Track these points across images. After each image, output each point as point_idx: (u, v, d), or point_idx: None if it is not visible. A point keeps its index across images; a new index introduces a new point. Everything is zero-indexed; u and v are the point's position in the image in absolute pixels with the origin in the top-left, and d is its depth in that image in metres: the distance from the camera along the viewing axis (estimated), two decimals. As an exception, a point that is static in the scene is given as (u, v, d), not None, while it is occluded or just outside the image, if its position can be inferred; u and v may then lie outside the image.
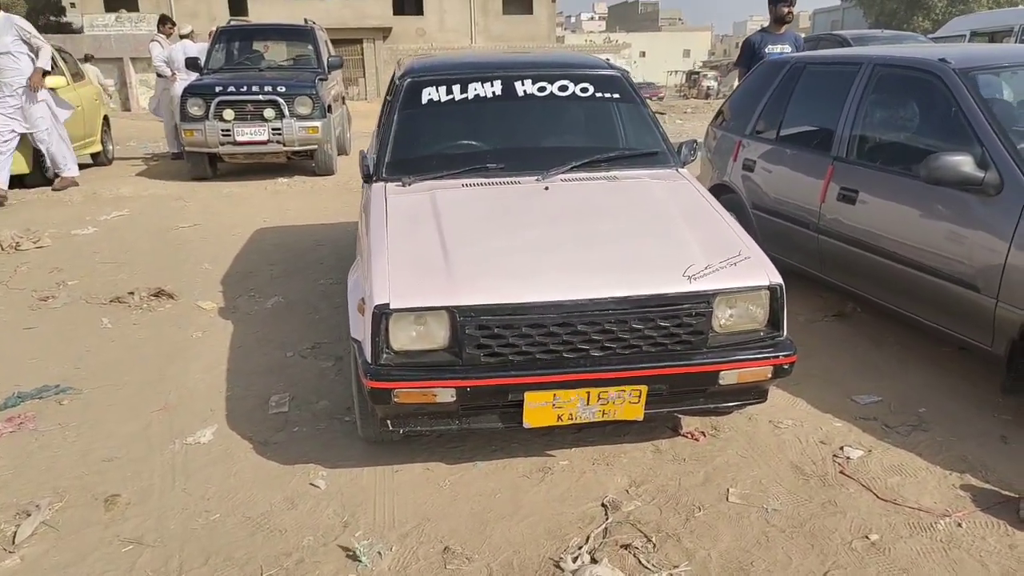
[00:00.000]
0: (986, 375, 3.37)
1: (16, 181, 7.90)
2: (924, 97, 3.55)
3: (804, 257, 4.15)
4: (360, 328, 2.61)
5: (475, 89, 3.53)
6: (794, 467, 2.79)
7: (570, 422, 2.57)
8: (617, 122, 3.68)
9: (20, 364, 3.85)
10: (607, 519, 2.50)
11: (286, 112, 8.02)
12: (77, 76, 9.64)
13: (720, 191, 4.99)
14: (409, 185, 3.22)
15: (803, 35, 7.91)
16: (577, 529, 2.46)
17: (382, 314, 2.43)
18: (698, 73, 49.57)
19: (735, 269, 2.62)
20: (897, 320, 3.72)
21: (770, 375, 2.61)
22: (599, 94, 3.59)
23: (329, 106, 8.55)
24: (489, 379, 2.46)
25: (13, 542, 2.43)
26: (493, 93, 3.52)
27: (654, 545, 2.36)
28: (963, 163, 3.03)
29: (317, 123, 8.14)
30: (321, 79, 8.64)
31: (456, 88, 3.54)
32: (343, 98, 10.53)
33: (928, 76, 3.47)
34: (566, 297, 2.47)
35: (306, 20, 9.67)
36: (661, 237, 2.80)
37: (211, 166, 8.50)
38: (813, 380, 3.48)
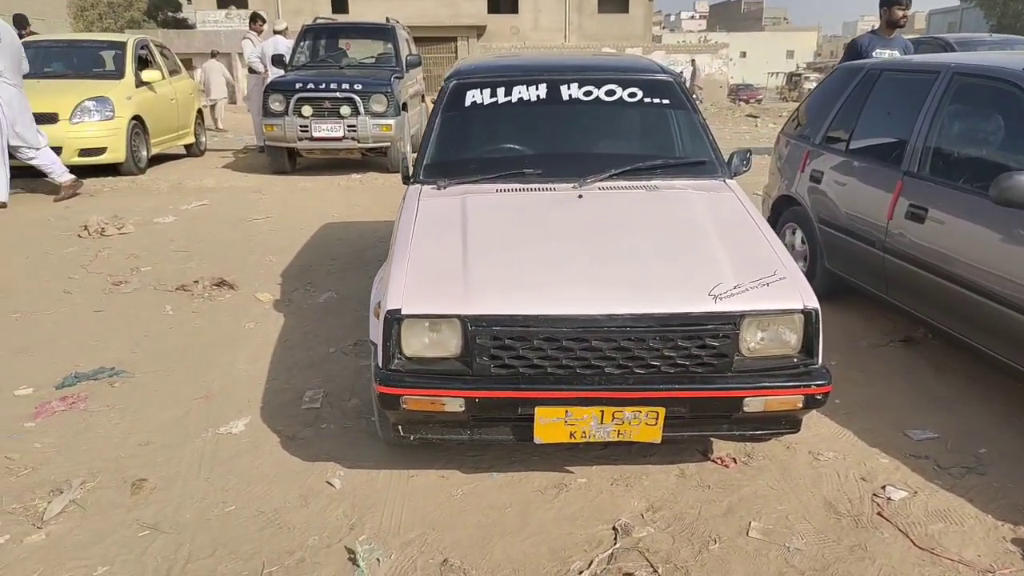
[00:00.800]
0: (1060, 417, 3.07)
1: (111, 169, 8.41)
2: (1004, 109, 3.25)
3: (869, 277, 3.90)
4: (375, 332, 2.61)
5: (519, 92, 3.48)
6: (827, 504, 2.61)
7: (583, 440, 2.49)
8: (665, 129, 3.55)
9: (83, 345, 4.06)
10: (615, 544, 2.40)
11: (361, 109, 8.19)
12: (174, 72, 10.15)
13: (786, 203, 4.77)
14: (444, 188, 3.20)
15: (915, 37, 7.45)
16: (582, 552, 2.38)
17: (394, 319, 2.42)
18: (799, 75, 47.81)
19: (767, 290, 2.47)
20: (967, 349, 3.44)
21: (801, 404, 2.45)
22: (648, 99, 3.48)
23: (404, 104, 8.68)
24: (499, 391, 2.40)
25: (42, 518, 2.56)
26: (538, 97, 3.46)
27: (658, 576, 2.25)
28: (1039, 183, 2.76)
29: (391, 121, 8.28)
30: (397, 77, 8.78)
31: (500, 91, 3.49)
32: (423, 96, 10.67)
33: (1008, 86, 3.18)
34: (581, 311, 2.38)
35: (387, 19, 9.85)
36: (691, 253, 2.67)
37: (290, 160, 8.78)
38: (866, 411, 3.26)
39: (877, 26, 5.90)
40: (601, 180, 3.15)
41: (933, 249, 3.37)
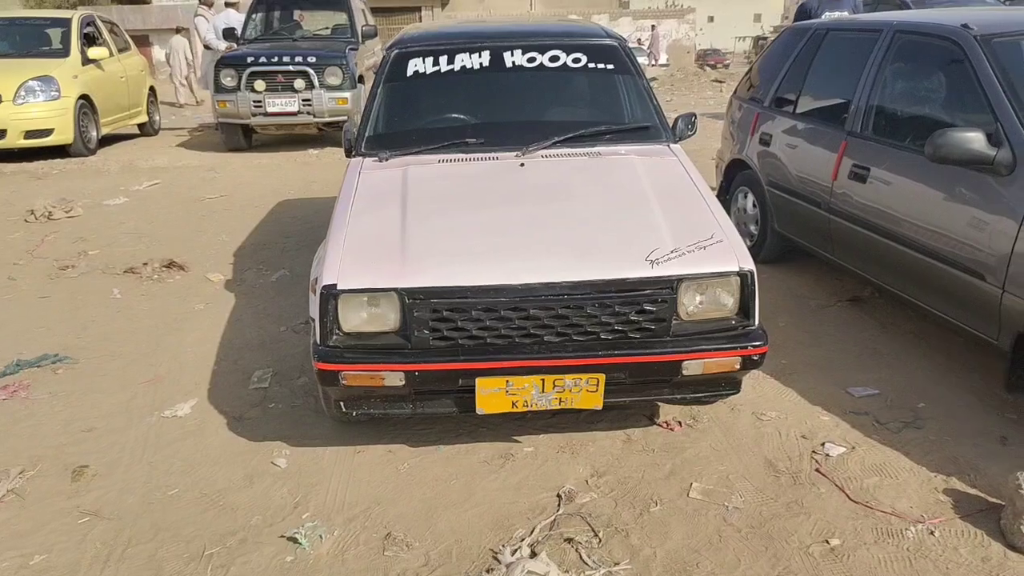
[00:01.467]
0: (995, 370, 3.13)
1: (59, 151, 8.18)
2: (942, 67, 3.27)
3: (816, 238, 3.93)
4: (313, 307, 2.58)
5: (462, 60, 3.42)
6: (767, 463, 2.66)
7: (526, 409, 2.49)
8: (610, 95, 3.51)
9: (28, 332, 3.97)
10: (558, 511, 2.42)
11: (316, 83, 8.03)
12: (123, 49, 9.85)
13: (738, 167, 4.78)
14: (386, 160, 3.15)
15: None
16: (525, 520, 2.39)
17: (330, 295, 2.39)
18: (766, 38, 47.73)
19: (703, 253, 2.47)
20: (912, 307, 3.50)
21: (738, 366, 2.47)
22: (592, 65, 3.44)
23: (361, 76, 8.52)
24: (438, 363, 2.39)
25: (-22, 509, 2.51)
26: (480, 64, 3.41)
27: (600, 540, 2.27)
28: (972, 140, 2.79)
29: (347, 94, 8.13)
30: (352, 49, 8.60)
31: (443, 59, 3.43)
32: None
33: (947, 43, 3.19)
34: (518, 280, 2.37)
35: (343, -12, 9.62)
36: (630, 218, 2.66)
37: (245, 137, 8.61)
38: (810, 369, 3.31)
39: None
40: (544, 148, 3.12)
41: (874, 208, 3.40)
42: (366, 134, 3.29)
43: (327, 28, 9.80)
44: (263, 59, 8.06)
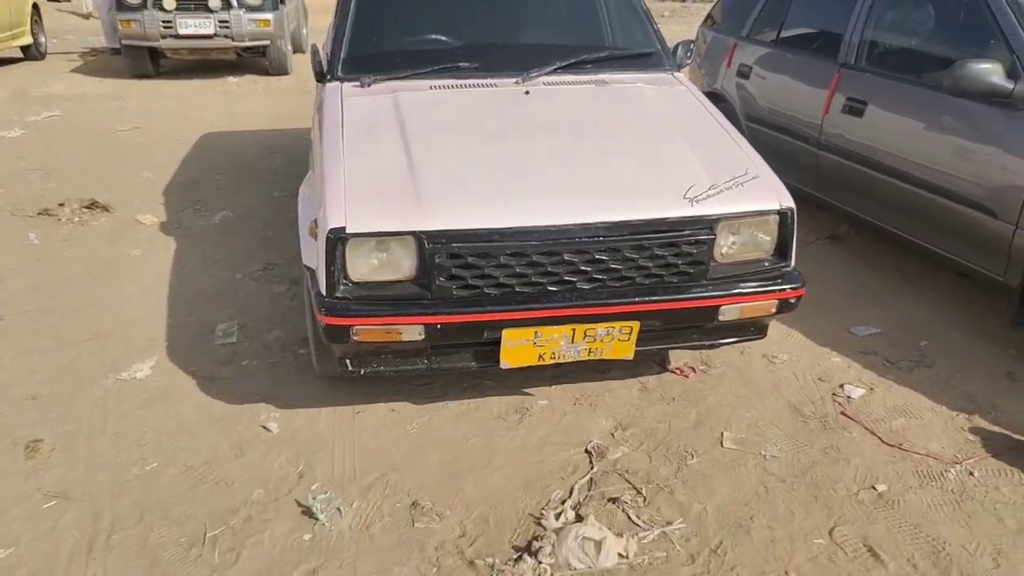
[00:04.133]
0: (990, 305, 3.17)
1: (-67, 75, 7.17)
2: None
3: (800, 174, 3.83)
4: (313, 254, 2.26)
5: (445, -26, 3.06)
6: (792, 408, 2.58)
7: (552, 362, 2.29)
8: (606, 17, 3.25)
9: (-69, 285, 3.43)
10: (592, 468, 2.26)
11: (234, 3, 7.28)
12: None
13: (710, 99, 4.61)
14: (368, 86, 2.80)
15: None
16: (559, 480, 2.22)
17: (337, 239, 2.08)
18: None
19: (742, 190, 2.30)
20: (894, 244, 3.49)
21: (774, 310, 2.34)
22: (586, -15, 3.15)
23: (282, -4, 7.81)
24: (462, 315, 2.15)
25: (-86, 498, 2.12)
26: (465, -21, 3.06)
27: (644, 499, 2.13)
28: (991, 72, 2.71)
29: (268, 15, 7.44)
30: (273, -34, 7.86)
31: (423, -28, 3.06)
32: (297, -11, 9.68)
33: (954, -28, 3.09)
34: (552, 222, 2.14)
35: None
36: (658, 153, 2.45)
37: (153, 63, 7.79)
38: (808, 309, 3.19)
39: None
40: (545, 74, 2.85)
41: (871, 144, 3.32)
42: (342, 55, 2.90)
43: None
44: (172, -27, 7.23)
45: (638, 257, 2.20)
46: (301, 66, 8.62)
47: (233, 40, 7.45)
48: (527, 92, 2.75)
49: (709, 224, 2.23)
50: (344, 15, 2.99)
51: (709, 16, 4.89)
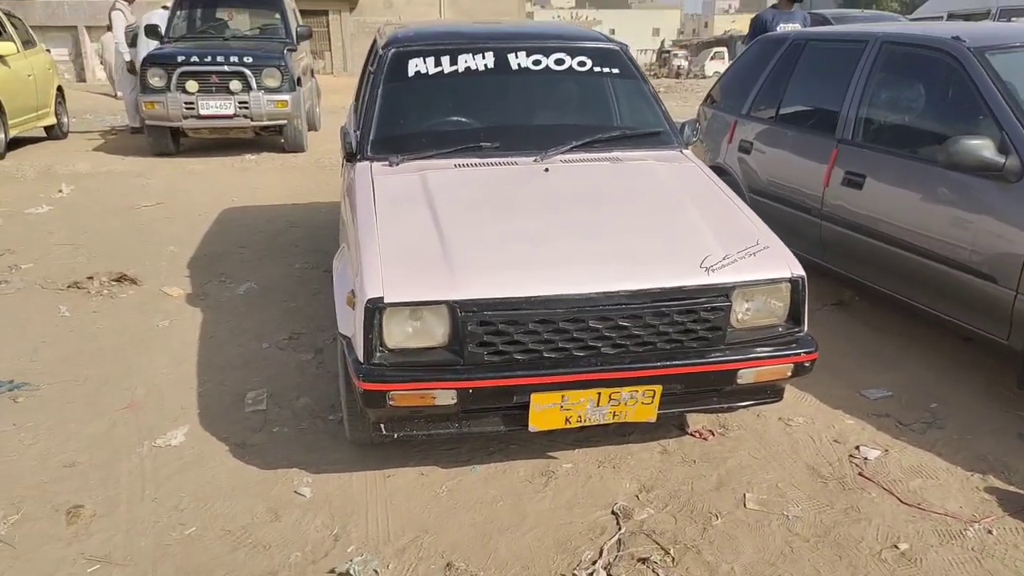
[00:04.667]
0: (996, 367, 3.27)
1: (-37, 155, 7.45)
2: (937, 77, 3.39)
3: (804, 243, 3.97)
4: (349, 323, 2.39)
5: (465, 61, 3.28)
6: (811, 469, 2.65)
7: (578, 425, 2.39)
8: (617, 99, 3.47)
9: (-31, 357, 3.54)
10: (620, 529, 2.32)
11: (253, 85, 7.63)
12: (28, 43, 9.10)
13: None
14: (397, 165, 2.98)
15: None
16: (588, 540, 2.29)
17: (375, 308, 2.20)
18: (668, 52, 49.38)
19: (755, 260, 2.44)
20: (898, 309, 3.60)
21: (790, 374, 2.45)
22: (597, 68, 3.37)
23: (299, 79, 8.18)
24: (493, 380, 2.25)
25: (-38, 564, 2.18)
26: (485, 66, 3.28)
27: (673, 559, 2.19)
28: (983, 147, 2.89)
29: (286, 96, 7.77)
30: (290, 50, 8.24)
31: (445, 60, 3.28)
32: (312, 71, 10.12)
33: (941, 55, 3.31)
34: (577, 291, 2.27)
35: (275, -13, 9.21)
36: (673, 225, 2.60)
37: (174, 141, 8.08)
38: (819, 373, 3.28)
39: (776, 2, 6.09)
40: (562, 152, 3.03)
41: (871, 215, 3.48)
42: (371, 137, 3.09)
43: (256, 29, 9.36)
44: (195, 58, 7.58)
45: (659, 323, 2.32)
46: (316, 144, 8.95)
47: (252, 120, 7.77)
48: (546, 169, 2.92)
49: (725, 292, 2.36)
50: (372, 100, 3.19)
51: (709, 96, 5.15)
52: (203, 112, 7.59)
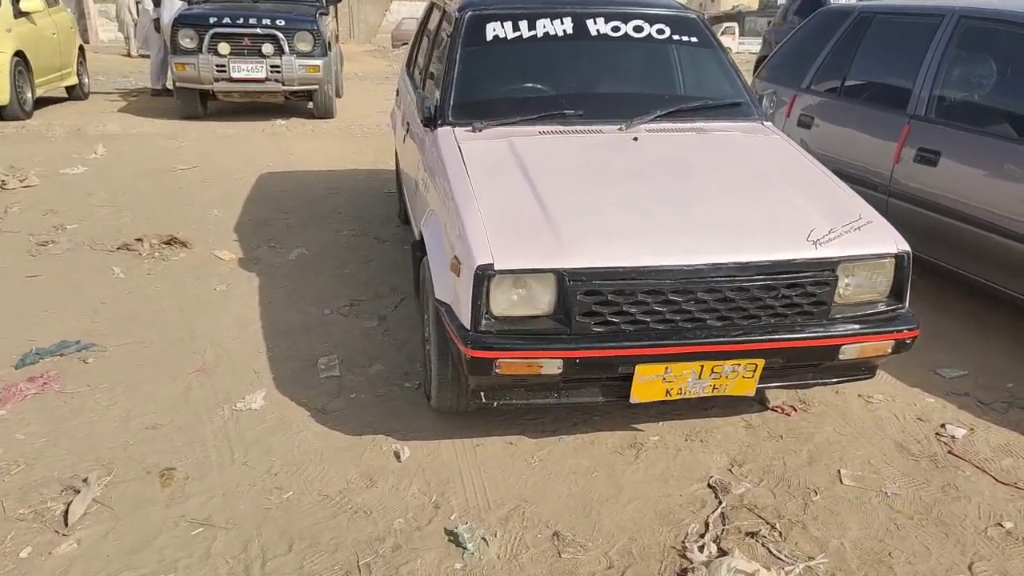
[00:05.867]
0: (1072, 349, 3.25)
1: (-9, 113, 7.35)
2: (1016, 53, 3.32)
3: (868, 220, 3.95)
4: (449, 289, 2.35)
5: (544, 26, 3.21)
6: (899, 446, 2.64)
7: (678, 397, 2.37)
8: (697, 68, 3.40)
9: (30, 315, 3.51)
10: (720, 503, 2.31)
11: (286, 48, 7.50)
12: (50, 2, 8.92)
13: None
14: (480, 131, 2.92)
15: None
16: (690, 513, 2.28)
17: (484, 275, 2.17)
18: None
19: (859, 234, 2.40)
20: (961, 287, 3.57)
21: (890, 351, 2.43)
22: (676, 36, 3.30)
23: (329, 43, 8.04)
24: (600, 351, 2.23)
25: (66, 523, 2.17)
26: (564, 31, 3.20)
27: (780, 533, 2.18)
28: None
29: (318, 61, 7.65)
30: (322, 13, 8.11)
31: (523, 24, 3.21)
32: (337, 37, 9.97)
33: (1020, 29, 3.24)
34: (687, 262, 2.23)
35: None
36: (773, 198, 2.56)
37: (202, 104, 7.96)
38: None
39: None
40: (647, 122, 2.98)
41: (945, 193, 3.44)
42: (451, 102, 3.03)
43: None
44: (227, 19, 7.45)
45: (765, 296, 2.29)
46: (344, 110, 8.85)
47: (283, 84, 7.65)
48: (635, 138, 2.87)
49: (832, 265, 2.32)
50: (451, 64, 3.12)
51: (762, 68, 5.06)
52: (235, 75, 7.47)
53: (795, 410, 2.85)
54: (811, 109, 4.37)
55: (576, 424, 2.73)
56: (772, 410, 2.85)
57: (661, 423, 2.74)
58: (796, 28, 5.03)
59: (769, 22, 15.43)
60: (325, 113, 8.16)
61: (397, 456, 2.52)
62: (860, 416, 2.83)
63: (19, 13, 7.57)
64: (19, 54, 7.34)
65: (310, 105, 8.37)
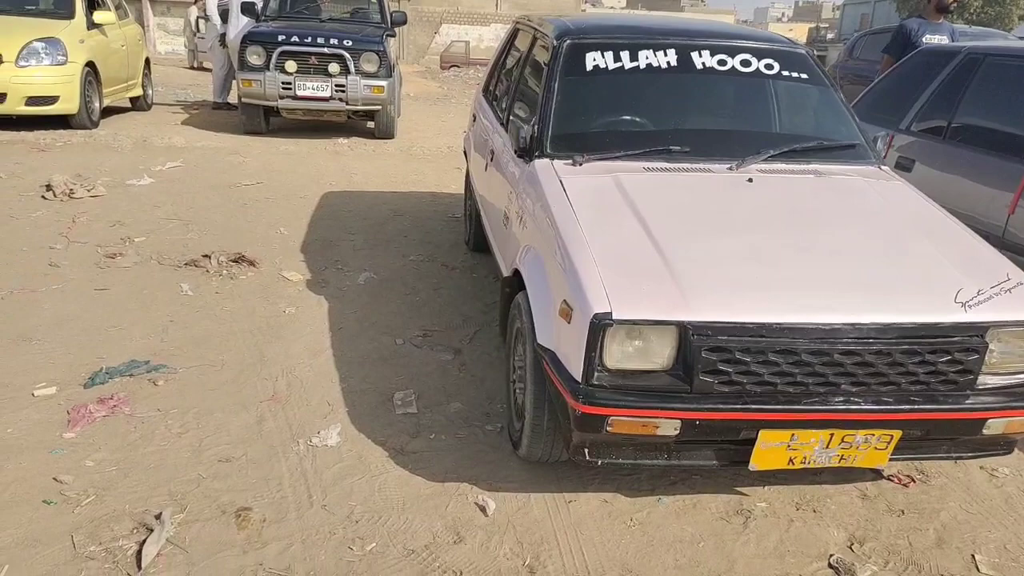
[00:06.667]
0: None
1: (61, 121, 7.41)
2: None
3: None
4: (555, 336, 2.18)
5: (647, 57, 3.05)
6: (1037, 530, 2.38)
7: (801, 466, 2.16)
8: (807, 106, 3.22)
9: (99, 331, 3.42)
10: (846, 587, 2.09)
11: (351, 68, 7.48)
12: (121, 12, 9.08)
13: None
14: (580, 164, 2.76)
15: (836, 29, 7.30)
16: (813, 597, 2.06)
17: (601, 324, 1.99)
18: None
19: (1011, 297, 2.18)
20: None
21: (1039, 426, 2.18)
22: (785, 72, 3.12)
23: (393, 65, 8.02)
24: (724, 412, 2.03)
25: (139, 566, 2.02)
26: (668, 64, 3.05)
27: (919, 628, 1.95)
28: None
29: (383, 82, 7.61)
30: (389, 35, 8.10)
31: (625, 55, 3.06)
32: (397, 59, 9.97)
33: None
34: (824, 320, 2.03)
35: (371, -29, 9.07)
36: (909, 252, 2.35)
37: (265, 120, 7.98)
38: None
39: (924, 10, 5.75)
40: (759, 162, 2.79)
41: (1069, 248, 3.19)
42: (550, 133, 2.88)
43: (347, 12, 9.22)
44: (295, 38, 7.46)
45: (907, 362, 2.07)
46: (403, 131, 8.80)
47: (347, 104, 7.62)
48: (750, 180, 2.68)
49: (982, 331, 2.10)
50: (549, 93, 2.97)
51: (857, 104, 4.85)
52: (300, 93, 7.47)
53: (913, 481, 2.61)
54: (911, 151, 4.14)
55: (674, 483, 2.52)
56: (887, 479, 2.61)
57: (767, 488, 2.52)
58: (892, 67, 4.81)
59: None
60: (386, 133, 8.12)
61: (483, 510, 2.34)
62: (987, 492, 2.58)
63: (92, 24, 7.68)
64: (90, 64, 7.43)
65: (370, 125, 8.34)
